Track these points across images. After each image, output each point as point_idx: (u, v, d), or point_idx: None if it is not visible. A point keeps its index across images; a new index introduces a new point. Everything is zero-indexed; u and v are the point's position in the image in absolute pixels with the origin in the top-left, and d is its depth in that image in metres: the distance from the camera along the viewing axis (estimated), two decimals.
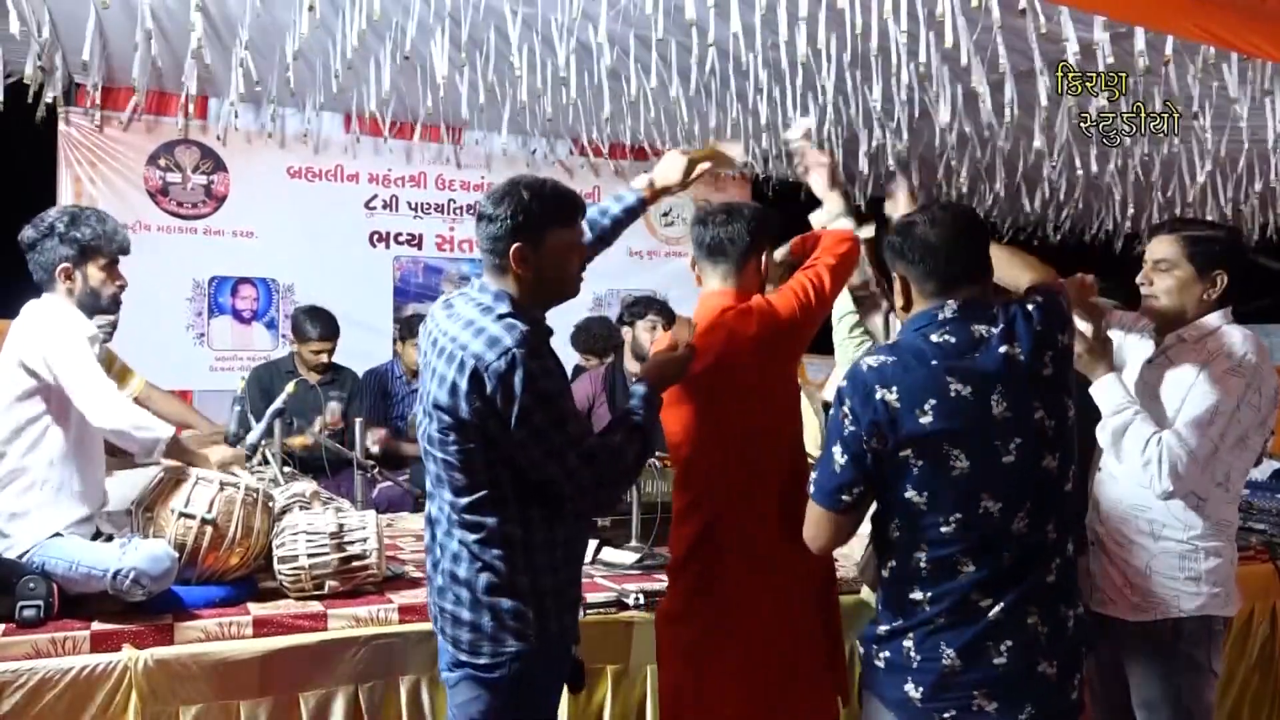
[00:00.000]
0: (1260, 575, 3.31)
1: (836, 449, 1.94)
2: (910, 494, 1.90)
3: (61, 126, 5.36)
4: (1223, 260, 2.33)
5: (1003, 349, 1.89)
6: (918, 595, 1.92)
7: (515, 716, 2.06)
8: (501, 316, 1.97)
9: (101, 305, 2.68)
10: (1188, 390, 2.27)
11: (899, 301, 2.05)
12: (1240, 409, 2.24)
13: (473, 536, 2.00)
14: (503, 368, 1.90)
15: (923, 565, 1.91)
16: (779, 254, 2.55)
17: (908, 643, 1.93)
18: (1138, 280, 2.42)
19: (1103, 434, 2.31)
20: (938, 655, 1.89)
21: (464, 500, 2.00)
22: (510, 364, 1.90)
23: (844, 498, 1.95)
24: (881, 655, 1.97)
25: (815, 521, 2.01)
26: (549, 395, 1.94)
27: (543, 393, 1.93)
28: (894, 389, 1.88)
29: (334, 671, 2.50)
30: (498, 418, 1.93)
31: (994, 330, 1.90)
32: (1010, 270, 2.14)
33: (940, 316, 1.93)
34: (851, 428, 1.92)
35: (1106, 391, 2.31)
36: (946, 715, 1.89)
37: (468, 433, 1.96)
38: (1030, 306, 1.95)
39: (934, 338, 1.91)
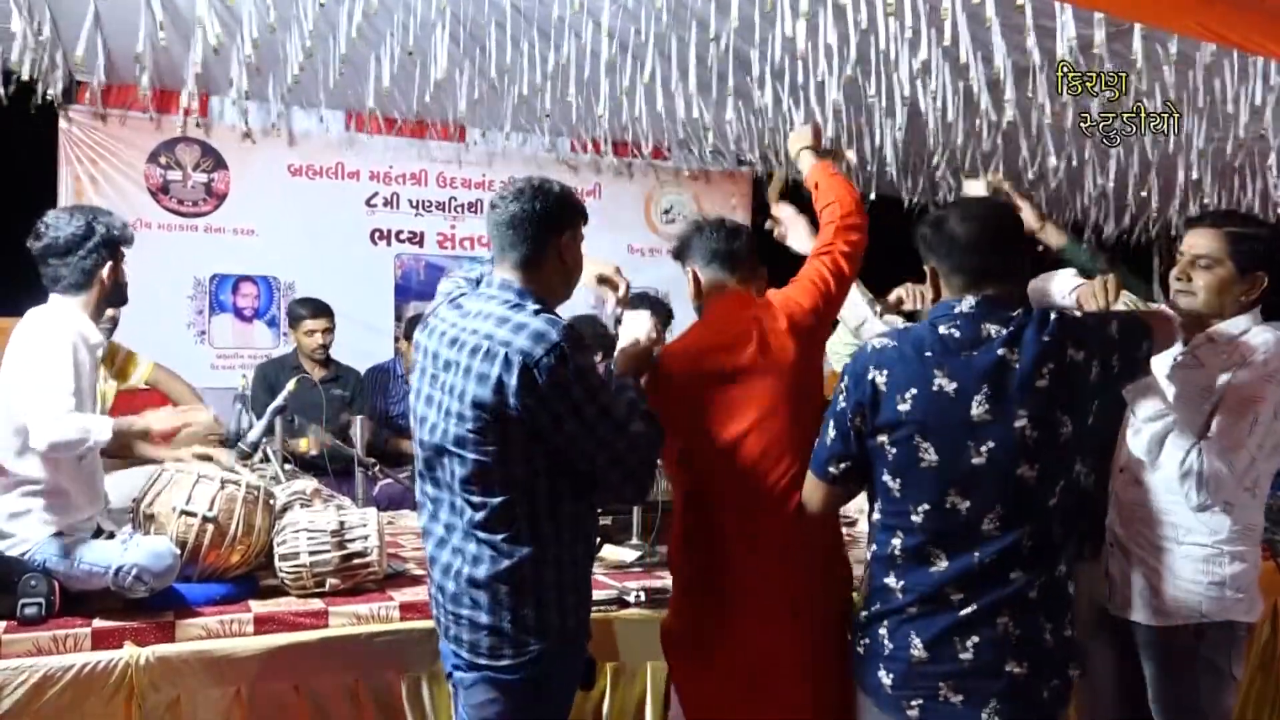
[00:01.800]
0: (1261, 574, 3.29)
1: (830, 422, 2.02)
2: (886, 478, 1.95)
3: (62, 124, 5.34)
4: (1265, 260, 2.23)
5: (1000, 351, 1.88)
6: (892, 581, 1.95)
7: (534, 716, 2.06)
8: (538, 312, 1.99)
9: (124, 297, 2.72)
10: (1220, 396, 2.19)
11: (929, 293, 2.06)
12: (1277, 418, 2.17)
13: (501, 535, 1.99)
14: (553, 362, 1.91)
15: (897, 552, 1.94)
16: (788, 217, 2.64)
17: (883, 630, 1.96)
18: (1173, 275, 2.29)
19: (1138, 440, 2.22)
20: (907, 645, 1.92)
21: (497, 499, 1.98)
22: (560, 358, 1.92)
23: (830, 469, 2.03)
24: (862, 642, 2.01)
25: (809, 486, 2.11)
26: (596, 387, 1.98)
27: (591, 386, 1.96)
28: (885, 373, 1.93)
29: (335, 669, 2.50)
30: (548, 412, 1.94)
31: (1003, 332, 1.89)
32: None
33: (956, 309, 1.94)
34: (842, 404, 1.99)
35: (1144, 397, 2.21)
36: (915, 703, 1.91)
37: (510, 428, 1.95)
38: (1052, 315, 1.92)
39: (941, 329, 1.93)
